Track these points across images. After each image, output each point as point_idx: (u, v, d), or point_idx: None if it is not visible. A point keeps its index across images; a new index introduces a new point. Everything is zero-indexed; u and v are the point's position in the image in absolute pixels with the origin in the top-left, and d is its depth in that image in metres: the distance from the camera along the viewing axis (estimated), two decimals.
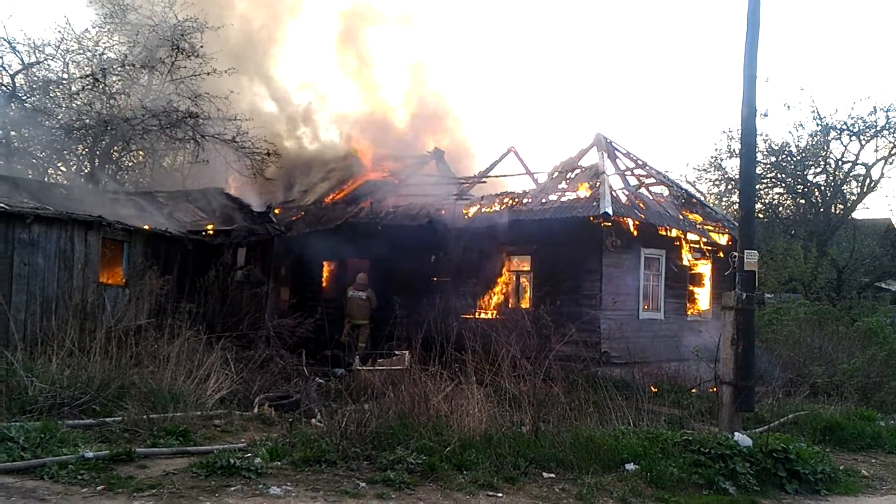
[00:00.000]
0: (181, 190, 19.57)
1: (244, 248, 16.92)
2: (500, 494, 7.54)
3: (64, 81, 20.29)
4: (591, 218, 16.36)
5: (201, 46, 19.40)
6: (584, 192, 17.62)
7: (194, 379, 10.34)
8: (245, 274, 16.59)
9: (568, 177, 18.83)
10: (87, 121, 19.86)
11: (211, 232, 16.74)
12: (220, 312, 14.81)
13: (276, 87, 23.02)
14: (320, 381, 13.40)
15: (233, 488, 7.03)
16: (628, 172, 19.80)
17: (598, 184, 17.34)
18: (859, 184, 34.97)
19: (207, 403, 10.13)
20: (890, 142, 33.40)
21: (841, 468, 9.57)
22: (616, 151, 19.79)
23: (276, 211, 21.34)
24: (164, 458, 7.87)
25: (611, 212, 16.13)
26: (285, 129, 23.06)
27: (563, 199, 17.94)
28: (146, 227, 15.39)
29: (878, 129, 33.07)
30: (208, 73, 19.37)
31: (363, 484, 7.42)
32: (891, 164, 33.71)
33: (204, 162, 19.41)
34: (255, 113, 20.86)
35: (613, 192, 17.30)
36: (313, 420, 10.29)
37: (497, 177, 21.06)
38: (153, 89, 20.30)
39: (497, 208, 18.55)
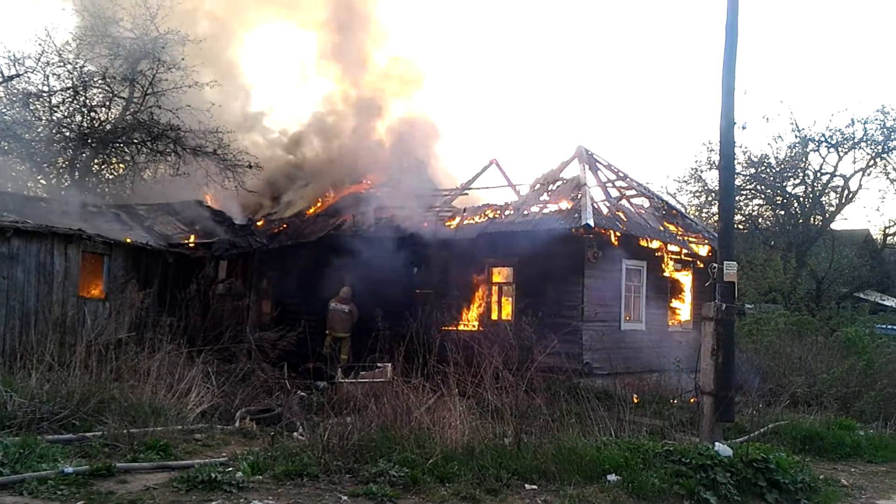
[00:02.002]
0: (162, 203, 19.47)
1: (225, 260, 16.86)
2: None
3: (44, 94, 20.19)
4: (573, 230, 16.43)
5: (182, 59, 19.37)
6: (565, 203, 17.70)
7: (175, 393, 10.30)
8: (226, 287, 16.54)
9: (549, 189, 18.92)
10: (68, 133, 19.75)
11: (192, 245, 16.68)
12: (202, 326, 14.74)
13: (257, 99, 22.99)
14: (302, 394, 13.34)
15: (214, 502, 7.00)
16: (609, 184, 19.94)
17: (579, 196, 17.43)
18: (837, 195, 35.30)
19: (188, 417, 10.09)
20: (867, 153, 33.76)
21: (821, 477, 9.65)
22: (597, 163, 19.93)
23: (259, 223, 21.31)
24: (144, 472, 7.82)
25: (592, 223, 16.21)
26: (267, 141, 23.03)
27: (545, 210, 18.02)
28: (127, 240, 15.33)
29: (856, 140, 33.43)
30: (189, 86, 19.33)
31: (345, 497, 7.41)
32: (868, 175, 34.08)
33: (185, 175, 19.35)
34: (236, 125, 20.83)
35: (595, 204, 17.40)
36: (295, 433, 10.26)
37: (479, 189, 21.13)
38: (134, 101, 20.22)
39: (479, 220, 18.60)
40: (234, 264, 17.03)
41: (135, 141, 19.77)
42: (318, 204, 22.14)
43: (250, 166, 19.67)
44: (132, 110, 20.08)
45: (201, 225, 17.96)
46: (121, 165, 21.59)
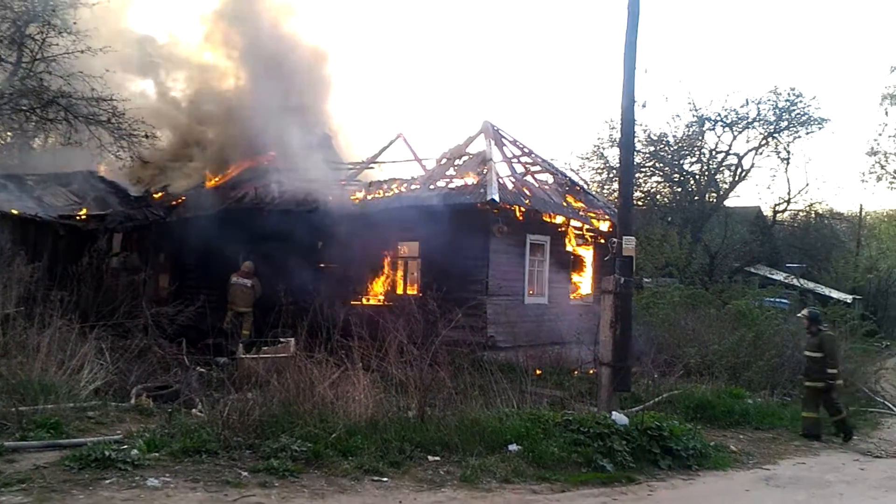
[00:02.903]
0: (53, 173, 18.62)
1: (120, 233, 16.31)
2: (385, 479, 7.58)
3: None
4: (479, 204, 16.50)
5: (75, 23, 18.46)
6: (471, 178, 17.76)
7: (66, 370, 9.90)
8: (121, 260, 16.03)
9: (456, 163, 18.94)
10: None
11: (84, 217, 16.05)
12: (95, 300, 14.20)
13: (150, 67, 22.08)
14: (202, 370, 13.07)
15: (108, 481, 6.79)
16: (515, 160, 20.11)
17: (485, 171, 17.51)
18: (731, 173, 36.69)
19: (81, 395, 9.71)
20: (760, 133, 35.20)
21: (711, 444, 10.07)
22: (503, 139, 20.06)
23: (156, 195, 20.59)
24: (34, 451, 7.53)
25: (497, 198, 16.31)
26: (161, 110, 22.20)
27: (451, 185, 18.03)
28: (13, 211, 14.64)
29: (750, 120, 34.77)
30: (82, 52, 18.44)
31: (245, 473, 7.30)
32: (761, 154, 35.52)
33: (77, 144, 18.51)
34: (133, 94, 20.03)
35: (500, 179, 17.52)
36: (194, 410, 10.03)
37: (386, 163, 20.95)
38: (22, 67, 19.20)
39: (385, 194, 18.49)
40: (130, 237, 16.50)
41: (23, 108, 18.75)
42: (219, 176, 21.56)
43: (146, 136, 18.93)
44: (20, 76, 19.05)
45: (94, 196, 17.29)
46: (8, 133, 20.55)
